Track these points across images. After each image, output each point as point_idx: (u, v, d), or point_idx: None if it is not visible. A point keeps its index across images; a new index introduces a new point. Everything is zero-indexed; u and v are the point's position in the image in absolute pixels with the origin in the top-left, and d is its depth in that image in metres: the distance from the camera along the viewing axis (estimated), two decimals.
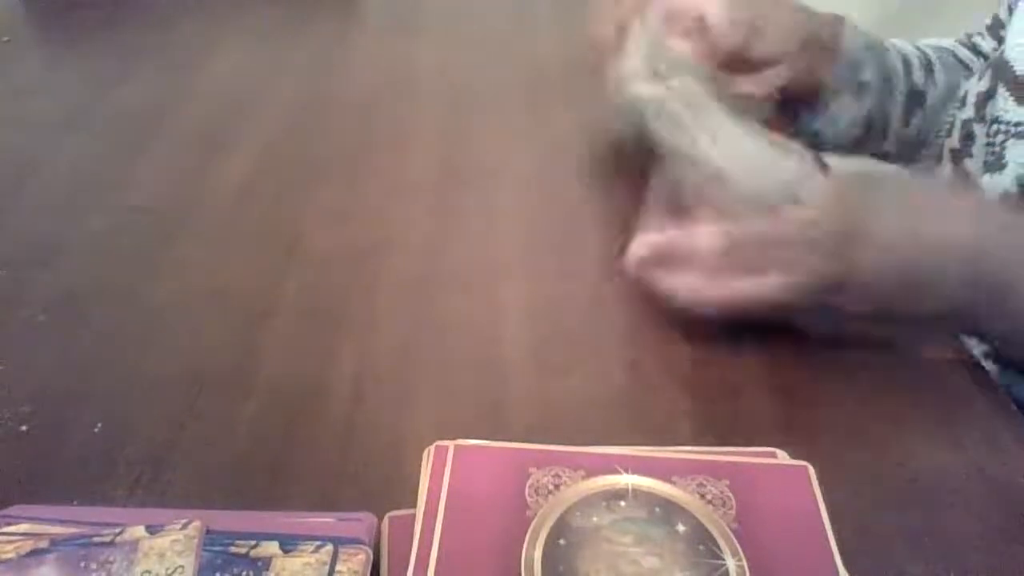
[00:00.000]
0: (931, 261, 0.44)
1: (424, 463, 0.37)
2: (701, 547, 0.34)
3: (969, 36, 0.73)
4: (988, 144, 0.56)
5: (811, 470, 0.37)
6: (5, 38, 0.93)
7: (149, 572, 0.33)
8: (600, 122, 0.70)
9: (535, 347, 0.48)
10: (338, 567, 0.33)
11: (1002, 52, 0.57)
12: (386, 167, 0.67)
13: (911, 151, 0.67)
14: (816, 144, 0.49)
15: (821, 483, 0.37)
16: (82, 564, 0.34)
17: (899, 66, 0.65)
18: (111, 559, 0.34)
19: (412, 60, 0.86)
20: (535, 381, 0.46)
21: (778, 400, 0.44)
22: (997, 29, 0.70)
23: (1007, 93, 0.55)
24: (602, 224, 0.59)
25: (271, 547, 0.34)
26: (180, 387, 0.46)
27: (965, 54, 0.72)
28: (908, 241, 0.44)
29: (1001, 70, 0.56)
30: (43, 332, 0.51)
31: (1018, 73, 0.55)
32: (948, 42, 0.73)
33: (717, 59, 0.56)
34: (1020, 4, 0.57)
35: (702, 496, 0.36)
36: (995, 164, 0.55)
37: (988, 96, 0.58)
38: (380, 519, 0.37)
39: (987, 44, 0.71)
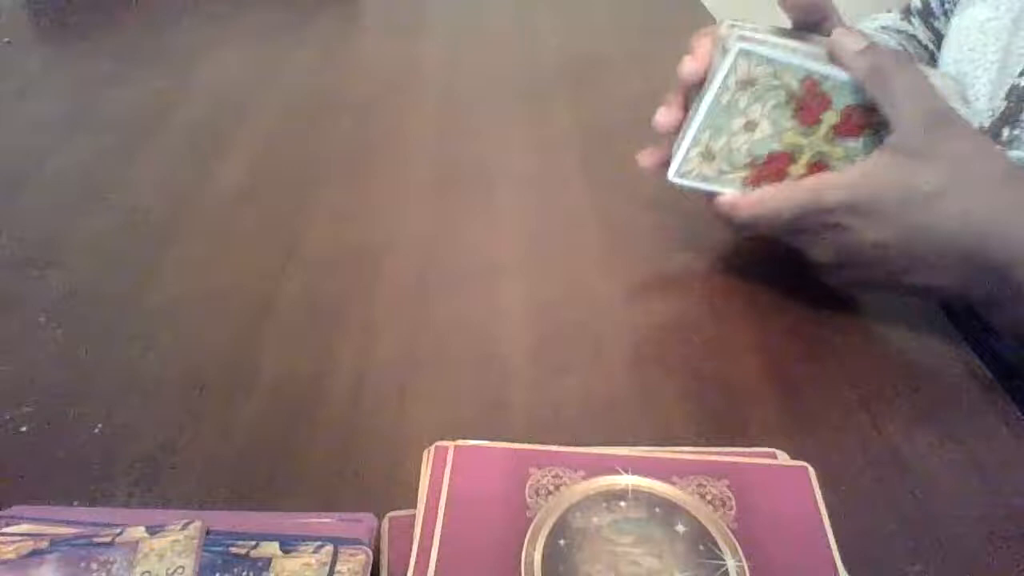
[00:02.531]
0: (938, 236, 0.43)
1: (424, 463, 0.37)
2: (701, 547, 0.34)
3: (907, 10, 0.72)
4: None
5: (811, 470, 0.37)
6: (6, 39, 0.93)
7: (149, 572, 0.33)
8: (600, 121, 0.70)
9: (535, 347, 0.48)
10: (338, 568, 0.33)
11: None
12: (386, 167, 0.67)
13: None
14: None
15: (821, 483, 0.37)
16: (82, 564, 0.34)
17: None
18: (111, 559, 0.34)
19: (412, 60, 0.86)
20: (535, 381, 0.46)
21: (778, 400, 0.44)
22: (927, 16, 0.70)
23: None
24: (602, 224, 0.59)
25: (271, 548, 0.34)
26: (180, 387, 0.46)
27: (925, 35, 0.70)
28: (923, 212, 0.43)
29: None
30: (43, 332, 0.51)
31: None
32: (900, 20, 0.72)
33: None
34: (949, 36, 0.54)
35: (702, 496, 0.36)
36: None
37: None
38: (380, 519, 0.37)
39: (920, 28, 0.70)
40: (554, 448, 0.38)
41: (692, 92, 0.49)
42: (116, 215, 0.62)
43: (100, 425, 0.44)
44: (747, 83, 0.45)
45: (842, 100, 0.45)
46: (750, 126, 0.47)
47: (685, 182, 0.49)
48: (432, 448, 0.38)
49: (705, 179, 0.49)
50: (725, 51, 0.45)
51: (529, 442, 0.39)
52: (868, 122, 0.46)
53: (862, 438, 0.42)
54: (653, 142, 0.52)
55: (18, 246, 0.59)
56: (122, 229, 0.60)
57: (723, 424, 0.43)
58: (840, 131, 0.46)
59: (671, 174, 0.49)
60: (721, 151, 0.48)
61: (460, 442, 0.38)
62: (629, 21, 0.95)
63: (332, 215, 0.61)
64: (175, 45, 0.91)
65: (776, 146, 0.47)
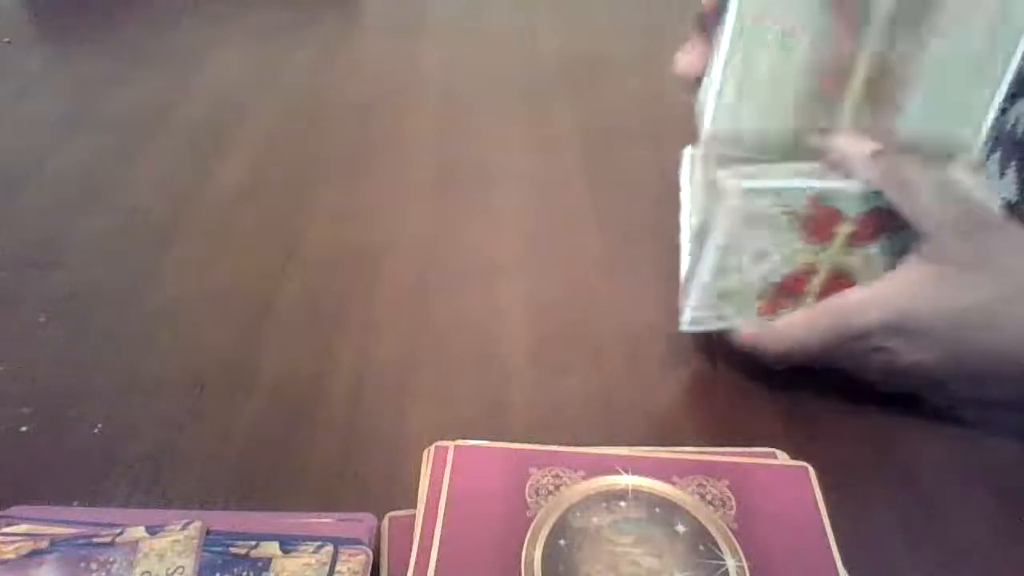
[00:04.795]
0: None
1: (424, 463, 0.37)
2: (701, 547, 0.34)
3: None
4: None
5: (811, 470, 0.37)
6: (6, 39, 0.93)
7: (149, 572, 0.33)
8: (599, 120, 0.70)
9: (535, 347, 0.48)
10: (338, 568, 0.33)
11: None
12: (386, 167, 0.67)
13: None
14: None
15: (821, 483, 0.37)
16: (82, 564, 0.34)
17: None
18: (111, 559, 0.34)
19: (412, 60, 0.86)
20: (535, 381, 0.46)
21: (778, 400, 0.44)
22: None
23: None
24: (602, 224, 0.59)
25: (271, 548, 0.34)
26: (180, 387, 0.46)
27: None
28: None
29: None
30: (43, 332, 0.51)
31: None
32: None
33: None
34: None
35: (702, 496, 0.36)
36: None
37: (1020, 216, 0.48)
38: (380, 519, 0.37)
39: None
40: (554, 448, 0.38)
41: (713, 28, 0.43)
42: (116, 215, 0.62)
43: (100, 425, 0.44)
44: (750, 218, 0.41)
45: (854, 209, 0.41)
46: (760, 256, 0.43)
47: (698, 328, 0.45)
48: (432, 448, 0.38)
49: (720, 319, 0.45)
50: (719, 193, 0.41)
51: (529, 442, 0.39)
52: (886, 225, 0.41)
53: (862, 438, 0.42)
54: (652, 143, 0.52)
55: (18, 246, 0.59)
56: (122, 229, 0.60)
57: (723, 424, 0.43)
58: (857, 239, 0.42)
59: (683, 325, 0.45)
60: (733, 289, 0.44)
61: (460, 442, 0.38)
62: (629, 21, 0.95)
63: (332, 215, 0.61)
64: (175, 45, 0.91)
65: (789, 270, 0.43)
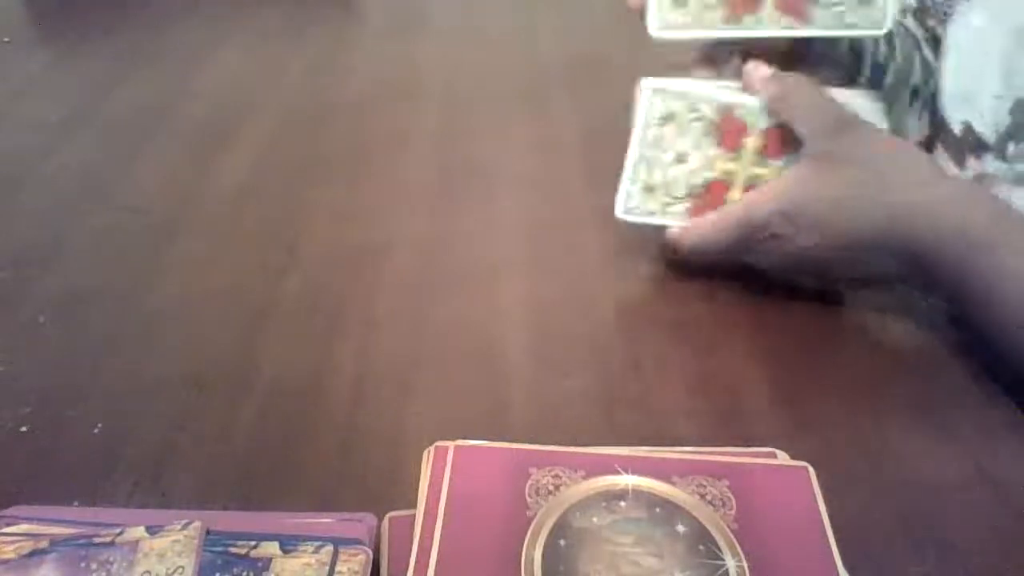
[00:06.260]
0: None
1: (424, 463, 0.37)
2: (701, 547, 0.34)
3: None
4: None
5: (811, 470, 0.37)
6: (6, 39, 0.93)
7: (149, 572, 0.33)
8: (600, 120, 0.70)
9: (535, 347, 0.48)
10: (338, 568, 0.33)
11: (935, 98, 0.54)
12: (386, 167, 0.67)
13: None
14: None
15: (821, 483, 0.37)
16: (82, 564, 0.34)
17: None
18: (111, 559, 0.34)
19: (412, 60, 0.86)
20: (535, 381, 0.46)
21: (778, 400, 0.44)
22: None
23: (946, 155, 0.54)
24: (602, 224, 0.59)
25: (271, 547, 0.34)
26: (180, 387, 0.46)
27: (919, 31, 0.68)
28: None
29: (938, 126, 0.54)
30: (43, 333, 0.51)
31: (956, 132, 0.52)
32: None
33: None
34: (949, 42, 0.54)
35: (702, 496, 0.36)
36: None
37: (927, 147, 0.55)
38: (380, 519, 0.37)
39: None
40: (554, 448, 0.38)
41: None
42: (116, 215, 0.62)
43: (100, 425, 0.44)
44: (668, 118, 0.50)
45: (758, 123, 0.49)
46: (681, 158, 0.50)
47: (633, 218, 0.52)
48: (432, 448, 0.38)
49: (651, 214, 0.52)
50: (641, 91, 0.50)
51: (529, 442, 0.39)
52: (791, 141, 0.48)
53: (862, 438, 0.42)
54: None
55: (18, 246, 0.59)
56: (122, 229, 0.60)
57: (723, 424, 0.43)
58: (767, 152, 0.50)
59: (618, 210, 0.52)
60: (660, 184, 0.51)
61: (460, 442, 0.38)
62: (629, 21, 0.95)
63: (332, 215, 0.61)
64: (175, 45, 0.91)
65: (710, 174, 0.50)
